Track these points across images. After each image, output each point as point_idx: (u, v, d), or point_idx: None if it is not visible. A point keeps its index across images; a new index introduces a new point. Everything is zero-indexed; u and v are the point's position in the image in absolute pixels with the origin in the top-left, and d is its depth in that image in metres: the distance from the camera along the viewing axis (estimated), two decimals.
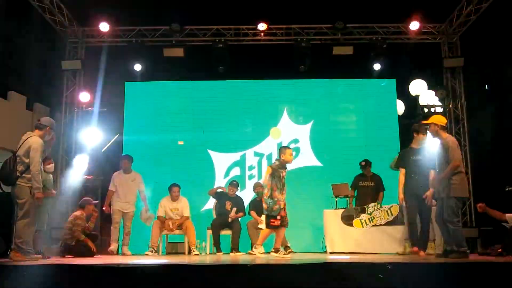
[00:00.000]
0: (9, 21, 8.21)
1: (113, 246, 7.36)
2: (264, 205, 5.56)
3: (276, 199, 5.48)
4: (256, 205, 7.73)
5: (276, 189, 5.50)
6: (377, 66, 9.27)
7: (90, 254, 6.40)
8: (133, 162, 7.82)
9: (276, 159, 5.73)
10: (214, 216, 7.90)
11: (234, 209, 7.68)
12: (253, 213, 7.70)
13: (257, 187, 7.86)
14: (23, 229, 5.00)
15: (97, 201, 7.55)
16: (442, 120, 5.25)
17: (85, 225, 6.67)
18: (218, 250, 7.50)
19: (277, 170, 5.57)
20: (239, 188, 8.15)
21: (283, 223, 5.60)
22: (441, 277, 3.33)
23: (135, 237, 7.84)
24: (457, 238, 4.84)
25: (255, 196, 7.98)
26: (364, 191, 7.59)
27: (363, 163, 7.73)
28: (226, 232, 7.66)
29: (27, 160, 5.11)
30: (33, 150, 5.13)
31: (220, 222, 7.65)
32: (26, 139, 5.25)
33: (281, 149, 5.78)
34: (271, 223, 5.52)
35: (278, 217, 5.49)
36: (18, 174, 5.08)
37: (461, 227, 4.96)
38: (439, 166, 5.12)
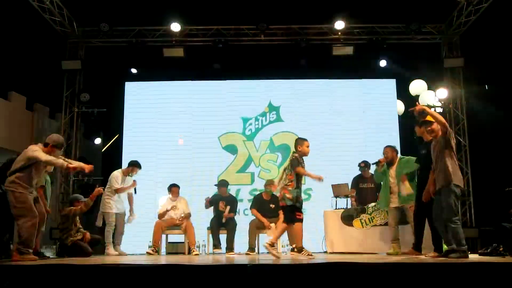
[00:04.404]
0: (9, 22, 8.20)
1: (110, 250, 7.14)
2: (289, 195, 4.99)
3: (301, 188, 5.04)
4: (260, 203, 7.59)
5: (299, 179, 5.09)
6: (382, 63, 9.30)
7: (85, 254, 6.32)
8: None
9: (293, 152, 5.21)
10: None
11: (228, 207, 7.57)
12: (255, 212, 7.49)
13: (269, 184, 7.56)
14: (20, 230, 4.96)
15: (86, 199, 7.21)
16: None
17: (74, 223, 6.59)
18: (218, 247, 7.47)
19: (300, 161, 5.13)
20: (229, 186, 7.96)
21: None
22: (441, 277, 3.32)
23: (136, 237, 7.84)
24: (457, 237, 4.81)
25: (260, 192, 7.78)
26: (365, 193, 7.49)
27: (362, 164, 7.58)
28: (222, 232, 7.64)
29: (21, 162, 5.00)
30: (31, 151, 5.02)
31: (217, 222, 7.63)
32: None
33: (298, 140, 5.23)
34: (297, 216, 5.01)
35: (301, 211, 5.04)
36: (7, 174, 4.99)
37: (460, 226, 4.93)
38: (435, 162, 5.07)
